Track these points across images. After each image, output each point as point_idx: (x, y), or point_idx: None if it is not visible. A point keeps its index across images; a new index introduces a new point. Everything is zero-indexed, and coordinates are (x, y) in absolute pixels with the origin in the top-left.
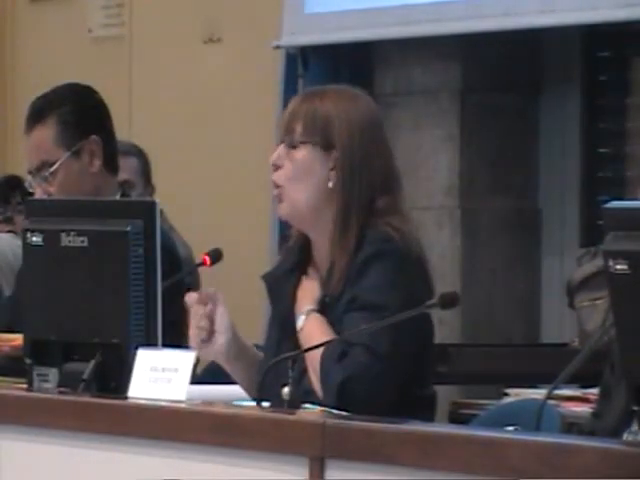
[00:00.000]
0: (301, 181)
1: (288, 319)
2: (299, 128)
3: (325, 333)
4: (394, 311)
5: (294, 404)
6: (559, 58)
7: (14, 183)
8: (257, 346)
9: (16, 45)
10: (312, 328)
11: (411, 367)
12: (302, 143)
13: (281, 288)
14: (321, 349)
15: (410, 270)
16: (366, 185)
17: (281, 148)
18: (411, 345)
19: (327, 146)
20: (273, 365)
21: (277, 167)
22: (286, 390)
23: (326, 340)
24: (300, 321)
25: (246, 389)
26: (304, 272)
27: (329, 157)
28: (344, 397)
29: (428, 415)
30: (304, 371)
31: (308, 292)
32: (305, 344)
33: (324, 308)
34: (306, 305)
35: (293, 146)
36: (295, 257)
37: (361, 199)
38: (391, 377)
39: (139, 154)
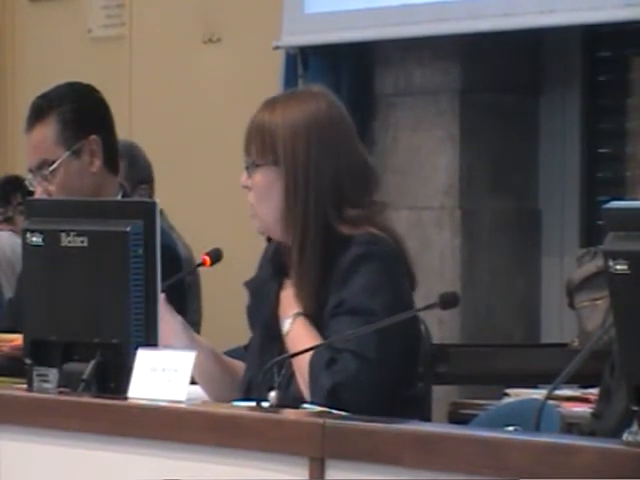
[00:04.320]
0: (264, 202)
1: (271, 323)
2: (253, 149)
3: (313, 337)
4: (381, 315)
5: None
6: (559, 58)
7: (15, 183)
8: (227, 353)
9: (16, 45)
10: (299, 332)
11: (398, 370)
12: (257, 166)
13: (264, 292)
14: (308, 354)
15: (397, 271)
16: (320, 193)
17: (244, 172)
18: (399, 348)
19: (277, 162)
20: (263, 372)
21: (248, 189)
22: (273, 394)
23: (314, 345)
24: (287, 325)
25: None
26: (287, 275)
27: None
28: (333, 403)
29: (416, 415)
30: (292, 376)
31: (292, 296)
32: (292, 348)
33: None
34: (292, 309)
35: (253, 169)
36: (277, 261)
37: (317, 209)
38: (380, 382)
39: (126, 156)
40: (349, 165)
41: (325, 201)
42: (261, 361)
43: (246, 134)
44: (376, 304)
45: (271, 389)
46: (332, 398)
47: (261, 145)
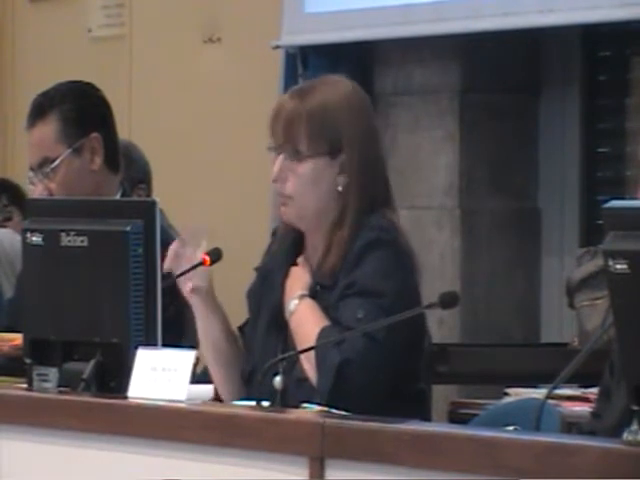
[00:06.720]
0: (309, 192)
1: (278, 310)
2: (304, 138)
3: (318, 318)
4: (390, 299)
5: (286, 393)
6: (559, 58)
7: (2, 186)
8: None
9: (16, 45)
10: (305, 312)
11: (403, 364)
12: (306, 157)
13: (273, 279)
14: (315, 335)
15: (406, 261)
16: (373, 180)
17: (282, 161)
18: (406, 337)
19: (334, 152)
20: (266, 369)
21: (280, 180)
22: (278, 379)
23: (319, 328)
24: (292, 305)
25: (212, 343)
26: (294, 264)
27: (336, 162)
28: (341, 380)
29: (419, 410)
30: (295, 360)
31: (297, 279)
32: (297, 328)
33: (315, 295)
34: (297, 290)
35: (298, 159)
36: (288, 250)
37: (367, 195)
38: (387, 364)
39: (124, 155)
40: (384, 159)
41: (370, 191)
42: (265, 352)
43: (286, 121)
44: (386, 287)
45: (276, 374)
46: (340, 375)
47: (318, 134)
